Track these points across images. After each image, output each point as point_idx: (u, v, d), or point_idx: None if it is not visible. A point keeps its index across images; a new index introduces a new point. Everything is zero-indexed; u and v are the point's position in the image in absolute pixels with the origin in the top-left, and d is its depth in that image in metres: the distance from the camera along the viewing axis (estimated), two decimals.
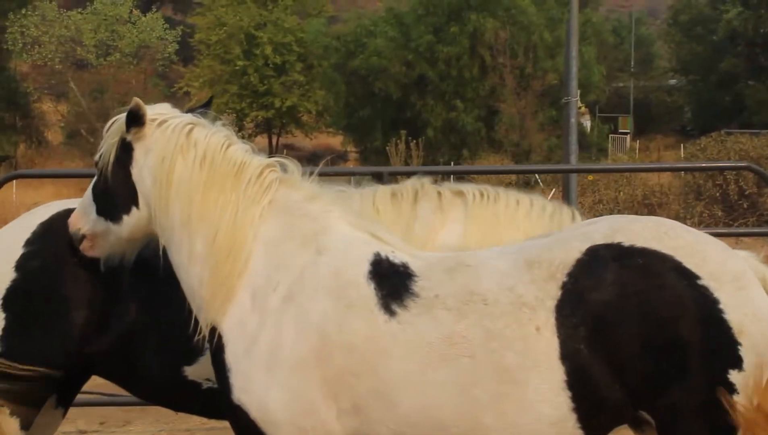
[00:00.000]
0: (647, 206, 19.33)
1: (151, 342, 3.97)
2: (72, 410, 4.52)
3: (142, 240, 3.74)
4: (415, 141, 26.52)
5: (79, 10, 45.65)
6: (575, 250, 3.20)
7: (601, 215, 3.85)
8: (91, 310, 3.95)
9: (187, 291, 3.56)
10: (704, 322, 3.07)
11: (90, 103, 40.98)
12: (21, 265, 3.96)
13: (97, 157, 3.72)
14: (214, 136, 3.59)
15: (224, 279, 3.41)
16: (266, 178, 3.54)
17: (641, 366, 3.07)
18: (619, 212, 17.63)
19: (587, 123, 39.61)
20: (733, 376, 3.08)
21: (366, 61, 38.52)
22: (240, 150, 3.60)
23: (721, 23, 43.96)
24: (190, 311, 3.55)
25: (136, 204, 3.61)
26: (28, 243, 4.00)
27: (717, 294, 3.10)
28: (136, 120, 3.56)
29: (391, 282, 3.29)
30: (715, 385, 3.07)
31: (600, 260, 3.15)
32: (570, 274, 3.15)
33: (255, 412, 3.30)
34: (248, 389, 3.31)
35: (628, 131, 46.41)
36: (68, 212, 3.90)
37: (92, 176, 3.79)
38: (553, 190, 28.32)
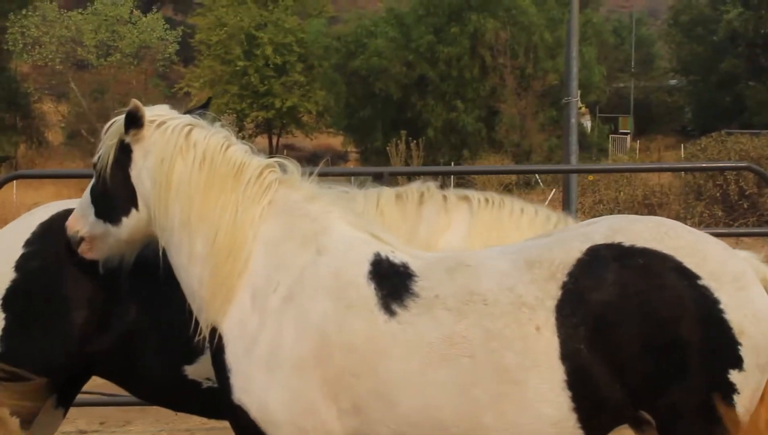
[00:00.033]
0: (647, 206, 19.33)
1: (151, 341, 3.97)
2: (72, 410, 4.52)
3: (142, 242, 3.73)
4: (415, 141, 26.55)
5: (80, 10, 45.69)
6: (576, 250, 3.20)
7: (602, 215, 3.85)
8: (91, 310, 3.95)
9: (187, 292, 3.56)
10: (704, 322, 3.08)
11: (90, 104, 41.02)
12: (21, 266, 3.96)
13: (95, 159, 3.71)
14: (213, 137, 3.58)
15: (224, 279, 3.41)
16: (266, 179, 3.54)
17: (641, 366, 3.07)
18: (620, 212, 17.63)
19: (588, 123, 39.64)
20: (734, 376, 3.08)
21: (366, 61, 38.54)
22: (239, 150, 3.60)
23: (721, 24, 43.99)
24: (191, 312, 3.55)
25: (136, 206, 3.60)
26: (28, 243, 4.00)
27: (717, 294, 3.10)
28: (134, 122, 3.56)
29: (391, 282, 3.29)
30: (715, 385, 3.07)
31: (600, 260, 3.15)
32: (570, 274, 3.15)
33: (255, 412, 3.29)
34: (248, 389, 3.30)
35: (629, 131, 46.45)
36: (68, 213, 3.90)
37: (92, 177, 3.78)
38: (554, 190, 28.36)
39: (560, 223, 4.22)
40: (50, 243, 3.96)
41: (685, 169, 20.32)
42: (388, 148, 26.80)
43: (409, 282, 3.28)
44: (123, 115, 3.59)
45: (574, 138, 9.91)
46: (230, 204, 3.47)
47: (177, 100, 41.09)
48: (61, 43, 44.14)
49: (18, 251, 3.98)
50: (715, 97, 45.21)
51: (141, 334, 3.97)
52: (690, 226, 3.43)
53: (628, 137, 45.58)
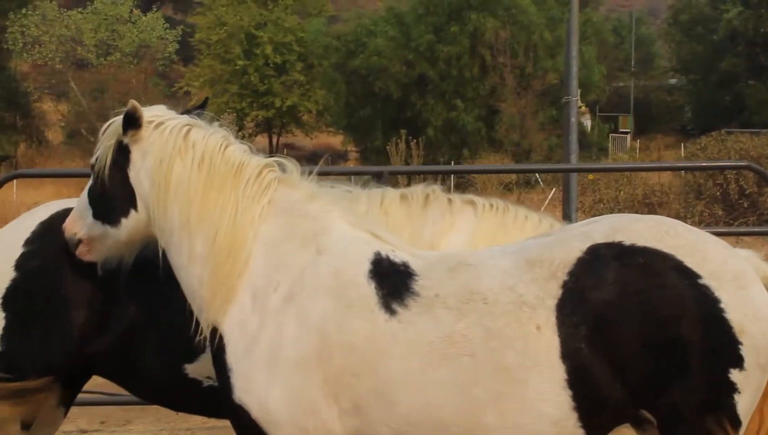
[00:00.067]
0: (648, 205, 19.32)
1: (151, 341, 3.97)
2: (73, 409, 4.52)
3: (141, 243, 3.72)
4: (415, 140, 26.54)
5: (80, 9, 45.69)
6: (576, 249, 3.20)
7: (602, 215, 3.85)
8: (91, 309, 3.95)
9: (188, 292, 3.55)
10: (705, 321, 3.08)
11: (90, 103, 41.02)
12: (21, 265, 3.96)
13: (93, 160, 3.69)
14: (211, 137, 3.58)
15: (224, 279, 3.41)
16: (265, 178, 3.53)
17: (642, 365, 3.07)
18: (620, 211, 17.64)
19: (587, 122, 39.61)
20: (734, 375, 3.08)
21: (366, 60, 38.52)
22: (238, 150, 3.60)
23: (721, 23, 43.96)
24: (191, 312, 3.54)
25: (135, 207, 3.59)
26: (28, 242, 3.99)
27: (718, 293, 3.10)
28: (132, 122, 3.55)
29: (392, 281, 3.29)
30: (716, 385, 3.07)
31: (601, 259, 3.15)
32: (571, 273, 3.15)
33: (256, 412, 3.29)
34: (249, 389, 3.30)
35: (629, 131, 46.45)
36: (68, 212, 3.89)
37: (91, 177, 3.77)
38: (554, 189, 28.36)
39: None
40: (50, 242, 3.96)
41: (685, 169, 20.32)
42: (388, 147, 26.79)
43: (409, 281, 3.28)
44: (120, 116, 3.58)
45: (574, 137, 9.89)
46: (230, 204, 3.47)
47: (177, 99, 41.10)
48: (60, 42, 44.14)
49: (18, 250, 3.98)
50: (715, 96, 45.20)
51: (141, 333, 3.96)
52: (690, 225, 3.43)
53: (628, 136, 45.58)
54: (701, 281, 3.10)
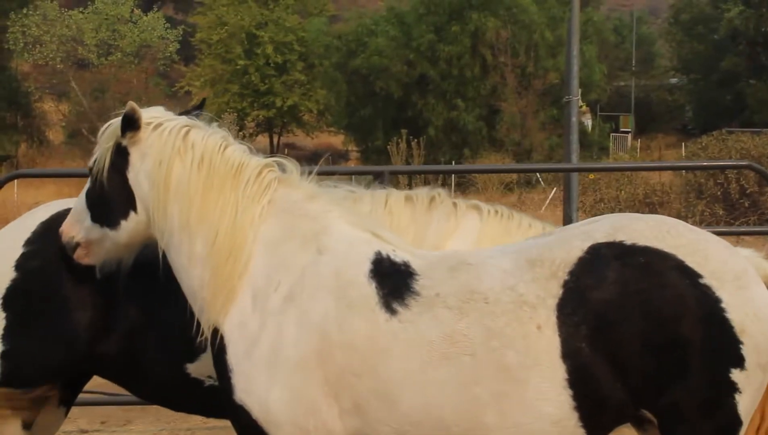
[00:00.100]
0: (648, 205, 19.31)
1: (153, 341, 3.96)
2: (73, 409, 4.53)
3: (140, 245, 3.71)
4: (416, 140, 26.52)
5: (81, 9, 45.75)
6: (577, 249, 3.20)
7: (603, 214, 3.84)
8: (92, 310, 3.94)
9: (188, 293, 3.55)
10: (706, 320, 3.07)
11: (91, 103, 41.06)
12: (21, 265, 3.95)
13: (90, 163, 3.67)
14: (210, 138, 3.57)
15: (225, 280, 3.41)
16: (265, 178, 3.53)
17: (643, 365, 3.07)
18: (621, 211, 17.62)
19: (588, 122, 39.60)
20: (735, 375, 3.08)
21: (367, 60, 38.54)
22: (238, 150, 3.59)
23: (722, 22, 43.95)
24: (192, 313, 3.54)
25: (134, 208, 3.58)
26: (29, 242, 3.99)
27: (719, 293, 3.09)
28: (131, 124, 3.53)
29: (393, 281, 3.28)
30: (717, 384, 3.07)
31: (602, 259, 3.15)
32: (571, 273, 3.15)
33: (257, 412, 3.29)
34: (250, 390, 3.30)
35: (630, 130, 46.46)
36: (69, 212, 3.89)
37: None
38: (554, 189, 28.36)
39: None
40: (51, 242, 3.95)
41: (686, 168, 20.31)
42: (388, 146, 26.77)
43: (410, 280, 3.28)
44: (119, 118, 3.57)
45: (574, 137, 9.88)
46: (230, 204, 3.46)
47: (178, 99, 41.15)
48: (61, 42, 44.18)
49: (18, 250, 3.98)
50: (715, 95, 45.19)
51: (142, 333, 3.96)
52: (691, 224, 3.43)
53: (629, 136, 45.59)
54: (702, 281, 3.10)
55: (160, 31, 46.86)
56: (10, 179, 7.19)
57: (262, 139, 47.02)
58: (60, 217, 3.95)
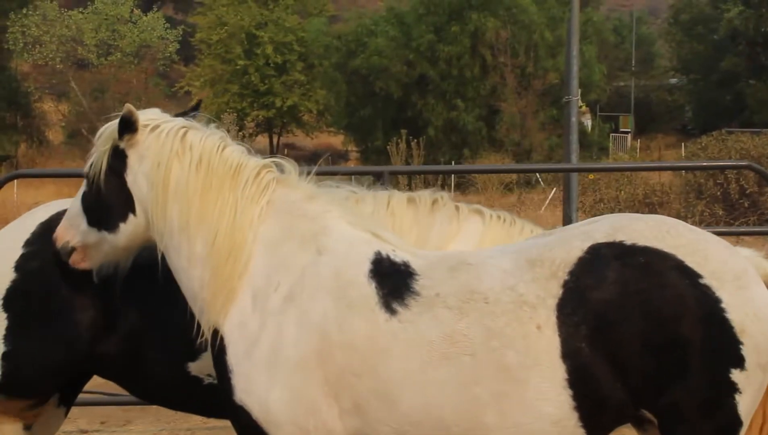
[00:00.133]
0: (648, 205, 19.31)
1: (153, 341, 3.96)
2: (73, 409, 4.53)
3: (138, 247, 3.70)
4: (416, 140, 26.49)
5: (80, 9, 45.75)
6: (577, 249, 3.20)
7: (602, 214, 3.84)
8: (92, 310, 3.94)
9: (188, 294, 3.55)
10: (706, 321, 3.07)
11: (91, 103, 41.06)
12: (21, 266, 3.95)
13: (86, 167, 3.65)
14: (209, 139, 3.57)
15: (225, 280, 3.41)
16: (263, 179, 3.53)
17: (643, 365, 3.07)
18: (620, 211, 17.63)
19: (588, 122, 39.61)
20: (735, 375, 3.08)
21: (367, 60, 38.53)
22: (236, 151, 3.59)
23: (722, 22, 43.95)
24: (192, 314, 3.54)
25: (133, 211, 3.57)
26: (28, 243, 3.99)
27: (719, 293, 3.09)
28: (128, 126, 3.53)
29: (392, 281, 3.29)
30: (717, 385, 3.07)
31: (601, 259, 3.15)
32: (571, 273, 3.15)
33: (257, 412, 3.29)
34: (250, 390, 3.30)
35: (629, 130, 46.45)
36: None
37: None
38: (554, 189, 28.35)
39: None
40: (50, 243, 3.95)
41: (686, 168, 20.32)
42: (388, 147, 26.74)
43: (410, 280, 3.28)
44: (115, 122, 3.56)
45: (574, 137, 9.88)
46: (229, 205, 3.46)
47: (178, 99, 41.15)
48: (61, 42, 44.19)
49: (18, 251, 3.98)
50: (715, 95, 45.19)
51: (143, 333, 3.96)
52: (691, 224, 3.43)
53: (629, 136, 45.58)
54: (702, 281, 3.10)
55: (159, 32, 46.86)
56: (10, 179, 7.19)
57: (262, 140, 47.03)
58: (60, 217, 3.95)
